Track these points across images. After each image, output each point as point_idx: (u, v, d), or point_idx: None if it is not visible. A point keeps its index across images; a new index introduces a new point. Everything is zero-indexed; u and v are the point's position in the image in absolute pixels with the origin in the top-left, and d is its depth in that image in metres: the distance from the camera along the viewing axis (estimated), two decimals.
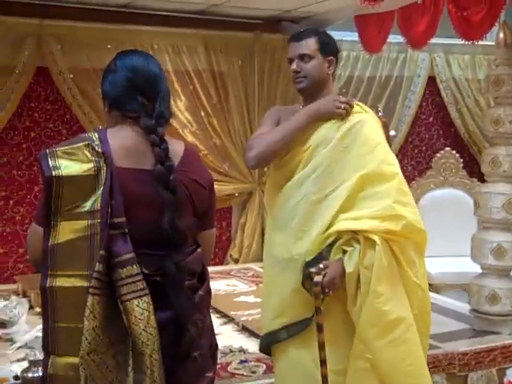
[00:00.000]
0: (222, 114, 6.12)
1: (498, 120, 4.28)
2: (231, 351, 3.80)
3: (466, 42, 5.16)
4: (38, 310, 4.43)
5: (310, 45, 2.53)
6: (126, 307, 1.71)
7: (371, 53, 6.21)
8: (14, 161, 5.51)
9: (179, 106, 5.95)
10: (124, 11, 5.61)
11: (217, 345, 2.10)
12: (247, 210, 6.26)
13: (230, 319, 4.38)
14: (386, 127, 2.63)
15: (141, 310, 1.71)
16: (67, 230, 1.72)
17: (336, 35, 6.41)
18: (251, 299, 4.81)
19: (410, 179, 6.69)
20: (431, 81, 7.09)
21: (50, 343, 1.76)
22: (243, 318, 4.29)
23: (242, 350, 3.82)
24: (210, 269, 6.14)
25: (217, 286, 5.24)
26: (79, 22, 5.43)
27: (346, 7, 5.05)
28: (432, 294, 5.24)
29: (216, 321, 4.33)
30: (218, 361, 3.52)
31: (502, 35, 4.37)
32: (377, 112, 6.34)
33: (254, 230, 6.21)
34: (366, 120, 2.49)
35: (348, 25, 6.09)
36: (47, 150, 1.78)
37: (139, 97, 1.87)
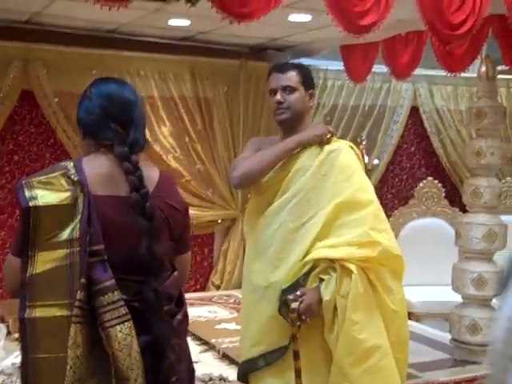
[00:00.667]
0: (207, 140, 6.15)
1: (479, 152, 4.34)
2: (211, 379, 3.77)
3: (449, 74, 5.25)
4: (16, 335, 4.36)
5: (293, 77, 2.58)
6: (109, 334, 1.70)
7: (356, 82, 6.28)
8: None
9: (164, 131, 5.97)
10: (110, 37, 5.65)
11: (194, 370, 2.09)
12: (230, 237, 6.26)
13: (210, 347, 4.35)
14: (363, 156, 2.69)
15: (124, 336, 1.71)
16: (45, 260, 1.71)
17: (321, 64, 6.65)
18: (232, 326, 4.79)
19: (389, 207, 6.74)
20: (414, 111, 7.18)
21: (29, 375, 1.73)
22: (224, 346, 4.26)
23: (222, 379, 3.80)
24: (192, 295, 6.16)
25: (198, 312, 5.22)
26: (66, 46, 5.47)
27: (332, 37, 5.11)
28: (412, 323, 5.28)
29: (196, 348, 4.31)
30: None
31: (483, 68, 4.46)
32: (360, 141, 6.40)
33: (237, 257, 6.20)
34: (341, 148, 2.54)
35: (333, 54, 6.17)
36: (23, 181, 1.78)
37: (113, 124, 1.86)
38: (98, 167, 1.83)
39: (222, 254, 6.30)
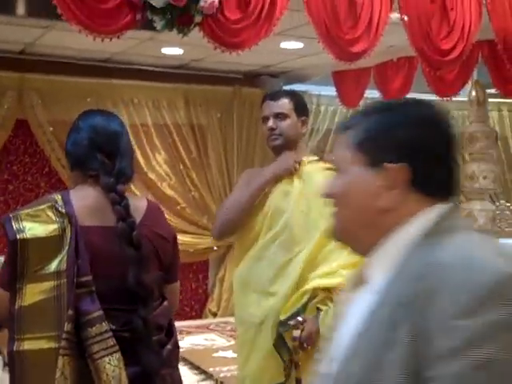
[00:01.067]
0: (201, 167, 6.16)
1: (472, 176, 4.38)
2: None
3: (440, 99, 5.30)
4: None
5: (285, 104, 2.61)
6: (98, 365, 1.70)
7: (349, 107, 6.33)
8: None
9: (158, 159, 5.99)
10: (104, 65, 5.70)
11: None
12: (225, 264, 6.24)
13: (208, 375, 4.32)
14: None
15: (112, 368, 1.70)
16: (33, 293, 1.72)
17: (314, 90, 6.69)
18: (230, 354, 4.74)
19: None
20: None
21: None
22: (222, 375, 4.23)
23: None
24: (189, 323, 6.10)
25: (195, 340, 5.18)
26: (60, 75, 5.50)
27: (324, 63, 5.16)
28: None
29: (194, 377, 4.27)
30: None
31: (474, 93, 4.52)
32: None
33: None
34: (312, 176, 2.54)
35: (326, 80, 6.22)
36: (10, 214, 1.79)
37: (99, 155, 1.87)
38: (85, 198, 1.84)
39: (218, 281, 6.27)
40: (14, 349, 1.71)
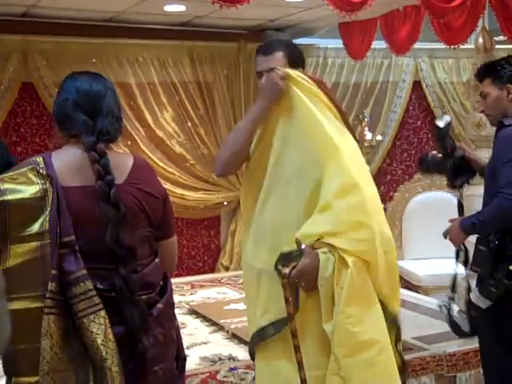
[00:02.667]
0: (209, 123, 6.17)
1: (479, 123, 4.35)
2: (220, 359, 3.81)
3: (449, 47, 5.23)
4: None
5: (278, 59, 2.50)
6: (83, 323, 1.73)
7: (356, 59, 6.28)
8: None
9: (166, 117, 6.00)
10: (108, 25, 5.67)
11: (185, 357, 2.11)
12: (237, 218, 6.29)
13: (219, 327, 4.40)
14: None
15: (97, 325, 1.74)
16: (17, 254, 1.74)
17: (321, 42, 6.62)
18: (241, 306, 4.82)
19: (400, 183, 6.74)
20: (417, 85, 7.14)
21: (10, 366, 1.78)
22: (233, 326, 4.30)
23: (231, 358, 3.83)
24: (201, 277, 6.20)
25: (207, 294, 5.26)
26: (64, 36, 5.49)
27: (330, 15, 5.10)
28: (419, 296, 5.31)
29: (205, 329, 4.35)
30: (207, 369, 3.61)
31: (481, 40, 4.45)
32: (362, 118, 6.38)
33: None
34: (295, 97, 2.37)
35: (332, 32, 6.15)
36: None
37: (82, 115, 1.89)
38: (66, 159, 1.86)
39: (229, 236, 6.34)
40: None
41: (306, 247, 2.26)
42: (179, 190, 5.95)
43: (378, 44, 6.09)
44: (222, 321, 4.44)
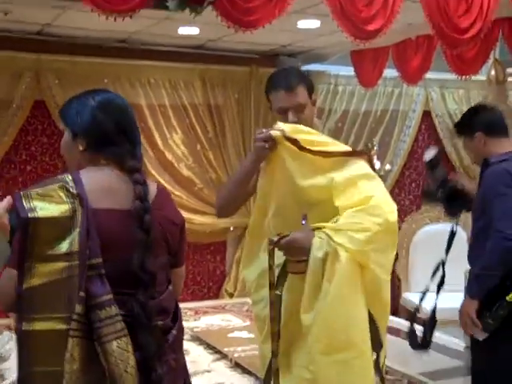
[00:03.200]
0: (218, 147, 6.16)
1: None
2: None
3: (460, 77, 5.23)
4: None
5: (302, 93, 2.49)
6: (106, 348, 1.69)
7: (367, 87, 6.28)
8: (9, 194, 5.50)
9: (175, 139, 5.99)
10: (121, 46, 5.70)
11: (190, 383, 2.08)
12: (242, 244, 6.24)
13: (222, 355, 4.34)
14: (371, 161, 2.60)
15: (121, 351, 1.70)
16: (42, 273, 1.70)
17: (332, 69, 6.63)
18: (245, 335, 4.77)
19: (407, 213, 6.69)
20: (426, 115, 7.13)
21: None
22: (236, 355, 4.24)
23: None
24: (205, 303, 6.14)
25: (211, 320, 5.21)
26: (77, 56, 5.52)
27: (342, 42, 5.11)
28: None
29: (209, 357, 4.30)
30: None
31: (493, 72, 4.44)
32: (371, 146, 6.37)
33: None
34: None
35: (344, 59, 6.16)
36: (21, 192, 1.75)
37: (124, 138, 1.87)
38: (97, 179, 1.82)
39: (235, 263, 6.29)
40: (22, 328, 1.70)
41: (305, 224, 2.25)
42: (186, 214, 5.90)
43: (389, 72, 6.10)
44: (225, 349, 4.38)
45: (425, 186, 3.34)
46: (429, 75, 5.95)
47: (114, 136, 1.86)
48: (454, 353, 4.51)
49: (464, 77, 5.15)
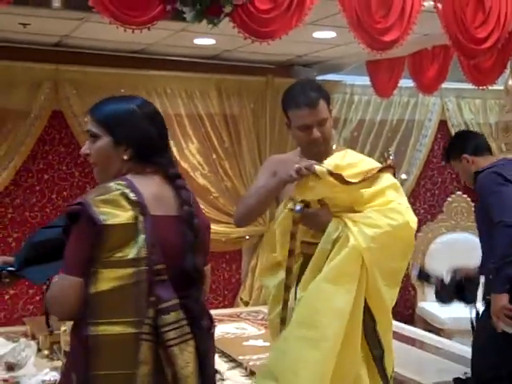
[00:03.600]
0: (234, 157, 6.18)
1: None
2: None
3: (477, 87, 5.21)
4: (47, 352, 4.43)
5: (323, 108, 2.50)
6: (173, 352, 1.74)
7: (382, 97, 6.28)
8: (27, 203, 5.58)
9: (191, 149, 6.03)
10: (138, 56, 5.75)
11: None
12: (258, 253, 6.26)
13: (237, 364, 4.34)
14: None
15: (188, 354, 1.76)
16: (109, 278, 1.72)
17: (348, 79, 6.64)
18: (260, 343, 4.77)
19: (422, 222, 6.66)
20: (442, 125, 7.11)
21: None
22: (251, 363, 4.24)
23: None
24: (220, 311, 6.16)
25: (226, 329, 5.21)
26: (94, 67, 5.58)
27: (358, 53, 5.12)
28: (442, 340, 5.20)
29: (224, 365, 4.30)
30: None
31: (510, 82, 4.43)
32: (387, 156, 6.37)
33: None
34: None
35: (360, 69, 6.17)
36: (88, 200, 1.76)
37: (165, 145, 1.93)
38: (149, 187, 1.84)
39: (250, 271, 6.30)
40: (90, 333, 1.71)
41: (300, 208, 2.37)
42: None
43: (405, 82, 6.09)
44: (240, 357, 4.38)
45: (435, 292, 3.56)
46: (445, 85, 5.94)
47: (158, 145, 1.90)
48: (469, 362, 4.47)
49: (481, 87, 5.14)
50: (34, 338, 4.80)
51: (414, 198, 6.98)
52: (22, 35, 4.98)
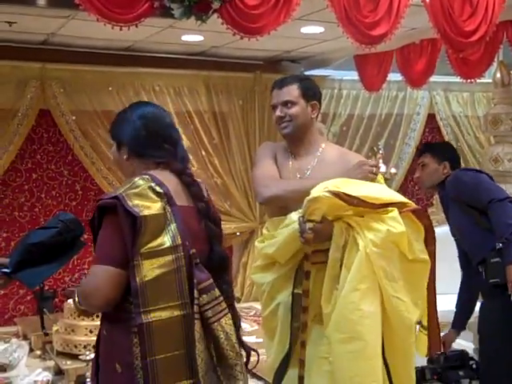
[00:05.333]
0: (223, 153, 6.17)
1: (496, 158, 4.32)
2: None
3: (465, 81, 5.23)
4: (39, 352, 4.41)
5: (292, 91, 2.60)
6: (216, 327, 1.86)
7: (371, 91, 6.28)
8: (15, 202, 5.55)
9: None
10: (125, 54, 5.71)
11: None
12: (249, 249, 6.26)
13: None
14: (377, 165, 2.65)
15: (229, 327, 1.89)
16: (152, 267, 1.81)
17: (336, 74, 6.64)
18: (253, 339, 4.76)
19: None
20: (431, 118, 7.14)
21: (150, 378, 1.79)
22: (244, 360, 4.23)
23: None
24: None
25: None
26: (81, 65, 5.54)
27: (345, 47, 5.12)
28: None
29: None
30: None
31: (498, 75, 4.45)
32: (377, 149, 6.38)
33: None
34: None
35: (348, 64, 6.17)
36: (122, 194, 1.84)
37: (164, 143, 2.00)
38: (167, 181, 1.93)
39: (241, 267, 6.29)
40: (143, 321, 1.79)
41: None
42: None
43: (394, 76, 6.10)
44: None
45: None
46: (433, 78, 5.96)
47: (150, 141, 2.00)
48: None
49: (469, 80, 5.15)
50: (25, 338, 4.77)
51: (403, 191, 6.99)
52: (7, 34, 4.94)
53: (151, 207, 1.83)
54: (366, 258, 2.27)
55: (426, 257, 2.43)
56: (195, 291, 1.83)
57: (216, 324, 1.85)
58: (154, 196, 1.85)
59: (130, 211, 1.80)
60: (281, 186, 2.59)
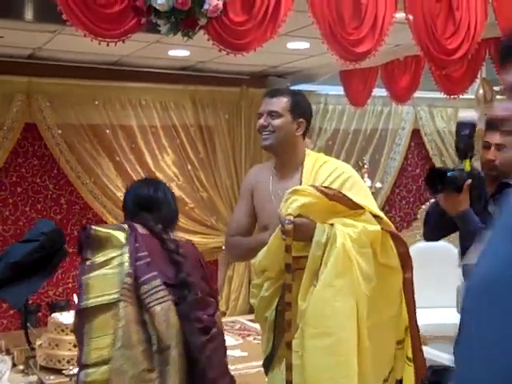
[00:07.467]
0: (209, 167, 6.18)
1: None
2: None
3: (449, 97, 5.29)
4: (22, 367, 4.37)
5: (281, 103, 2.55)
6: (152, 312, 2.12)
7: (356, 106, 6.34)
8: None
9: (166, 160, 6.02)
10: (112, 68, 5.73)
11: None
12: (234, 264, 6.25)
13: None
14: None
15: (163, 311, 2.14)
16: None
17: (322, 89, 6.69)
18: (237, 353, 4.76)
19: (398, 230, 6.68)
20: (416, 133, 7.20)
21: None
22: None
23: None
24: None
25: None
26: (67, 79, 5.54)
27: (331, 63, 5.17)
28: None
29: None
30: None
31: (481, 91, 4.50)
32: (362, 164, 6.42)
33: (241, 283, 6.20)
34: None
35: (334, 79, 6.22)
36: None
37: (142, 212, 2.43)
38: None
39: (226, 281, 6.29)
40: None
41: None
42: (177, 233, 5.89)
43: (379, 91, 6.16)
44: None
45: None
46: (417, 94, 6.03)
47: (132, 209, 2.47)
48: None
49: (452, 96, 5.22)
50: (8, 353, 4.72)
51: (389, 205, 7.05)
52: None
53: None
54: (344, 254, 2.29)
55: (399, 266, 2.46)
56: (127, 278, 2.14)
57: (152, 309, 2.12)
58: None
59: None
60: (237, 250, 2.76)
